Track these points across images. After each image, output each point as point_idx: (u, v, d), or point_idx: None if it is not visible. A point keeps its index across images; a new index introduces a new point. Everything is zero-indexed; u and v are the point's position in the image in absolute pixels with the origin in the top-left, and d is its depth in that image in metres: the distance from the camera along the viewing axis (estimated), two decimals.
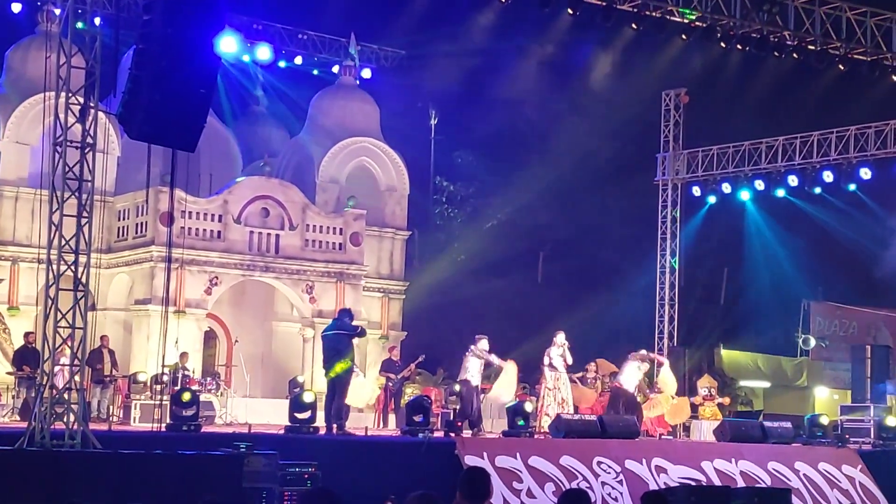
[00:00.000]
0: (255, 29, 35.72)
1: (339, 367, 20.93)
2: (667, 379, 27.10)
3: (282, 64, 36.76)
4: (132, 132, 15.47)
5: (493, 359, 23.75)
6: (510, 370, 24.14)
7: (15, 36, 32.90)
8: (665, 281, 35.25)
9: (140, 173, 26.21)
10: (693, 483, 20.43)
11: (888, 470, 23.89)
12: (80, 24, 17.76)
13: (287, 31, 36.71)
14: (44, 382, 16.48)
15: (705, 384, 29.65)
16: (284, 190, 32.21)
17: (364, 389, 24.99)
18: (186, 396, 19.75)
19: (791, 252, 40.41)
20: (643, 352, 26.51)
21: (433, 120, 45.69)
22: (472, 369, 23.40)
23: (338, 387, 21.03)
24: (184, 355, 26.11)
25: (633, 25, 27.55)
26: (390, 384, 27.20)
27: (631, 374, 25.53)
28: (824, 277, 40.59)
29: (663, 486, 19.82)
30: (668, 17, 27.52)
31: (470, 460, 18.79)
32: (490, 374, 25.94)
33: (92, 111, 17.08)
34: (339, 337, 21.27)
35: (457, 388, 24.89)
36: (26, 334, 24.95)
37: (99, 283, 27.80)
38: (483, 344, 23.56)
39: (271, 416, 25.04)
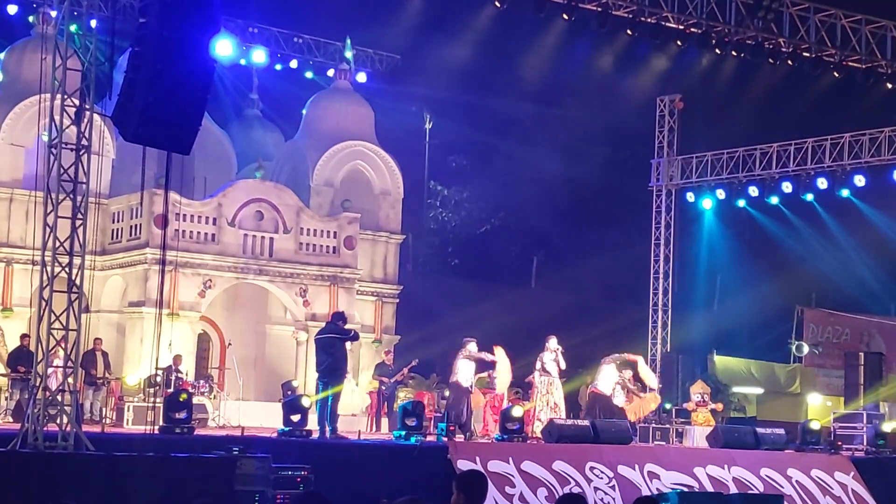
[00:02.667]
0: (251, 32, 35.76)
1: (339, 387, 21.06)
2: (647, 375, 27.10)
3: (277, 67, 36.79)
4: (127, 134, 15.43)
5: (485, 356, 23.86)
6: (500, 356, 24.23)
7: (10, 38, 32.90)
8: (659, 286, 35.28)
9: (134, 176, 26.31)
10: (685, 489, 20.44)
11: (881, 477, 23.91)
12: (75, 27, 17.75)
13: (283, 34, 36.75)
14: (37, 384, 16.47)
15: (698, 390, 29.67)
16: (279, 193, 32.19)
17: (354, 397, 25.06)
18: (183, 397, 19.77)
19: (784, 258, 40.47)
20: (615, 354, 26.27)
21: (428, 124, 45.80)
22: (463, 372, 23.48)
23: None
24: (177, 358, 26.11)
25: (628, 31, 27.65)
26: (383, 388, 27.22)
27: (607, 378, 25.49)
28: (817, 284, 40.65)
29: (656, 492, 19.83)
30: (662, 23, 27.59)
31: (462, 464, 18.79)
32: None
33: (87, 113, 17.08)
34: (332, 341, 21.26)
35: (446, 392, 24.93)
36: (22, 336, 24.91)
37: (93, 286, 27.94)
38: (472, 346, 23.67)
39: (264, 419, 25.03)
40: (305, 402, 20.64)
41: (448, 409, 23.24)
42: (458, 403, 23.30)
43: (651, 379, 27.26)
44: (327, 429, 20.66)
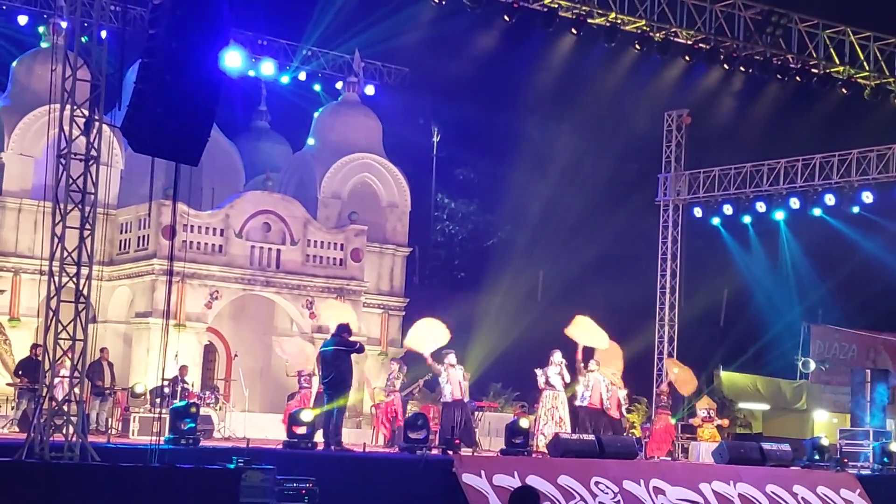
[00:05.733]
0: (260, 44, 35.87)
1: (344, 400, 21.02)
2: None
3: (286, 79, 36.86)
4: (136, 145, 15.52)
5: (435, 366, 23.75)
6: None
7: (20, 48, 33.00)
8: (665, 301, 35.24)
9: (143, 186, 26.40)
10: None
11: (887, 495, 23.82)
12: (85, 38, 17.80)
13: (291, 46, 36.84)
14: (43, 394, 16.48)
15: (704, 406, 29.62)
16: (286, 205, 32.25)
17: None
18: (193, 409, 19.79)
19: (791, 274, 40.38)
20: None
21: (435, 137, 45.81)
22: (444, 385, 23.50)
23: None
24: (183, 369, 26.10)
25: (637, 46, 27.69)
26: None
27: (595, 389, 25.21)
28: (824, 300, 40.56)
29: None
30: (671, 38, 27.64)
31: (467, 478, 18.75)
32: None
33: (96, 124, 17.10)
34: (338, 353, 21.21)
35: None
36: (33, 346, 24.88)
37: (100, 296, 27.84)
38: (450, 357, 23.69)
39: (269, 430, 25.03)
40: (306, 416, 20.58)
41: (443, 425, 23.14)
42: (449, 419, 23.10)
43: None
44: (332, 440, 20.63)
